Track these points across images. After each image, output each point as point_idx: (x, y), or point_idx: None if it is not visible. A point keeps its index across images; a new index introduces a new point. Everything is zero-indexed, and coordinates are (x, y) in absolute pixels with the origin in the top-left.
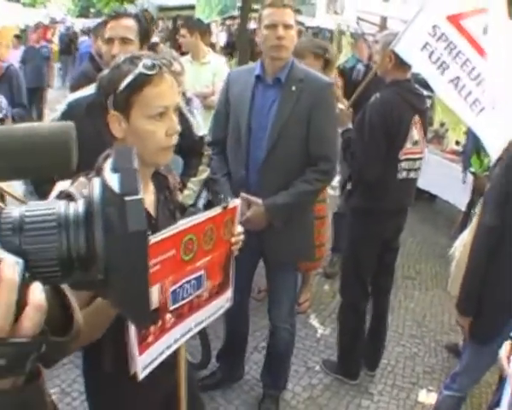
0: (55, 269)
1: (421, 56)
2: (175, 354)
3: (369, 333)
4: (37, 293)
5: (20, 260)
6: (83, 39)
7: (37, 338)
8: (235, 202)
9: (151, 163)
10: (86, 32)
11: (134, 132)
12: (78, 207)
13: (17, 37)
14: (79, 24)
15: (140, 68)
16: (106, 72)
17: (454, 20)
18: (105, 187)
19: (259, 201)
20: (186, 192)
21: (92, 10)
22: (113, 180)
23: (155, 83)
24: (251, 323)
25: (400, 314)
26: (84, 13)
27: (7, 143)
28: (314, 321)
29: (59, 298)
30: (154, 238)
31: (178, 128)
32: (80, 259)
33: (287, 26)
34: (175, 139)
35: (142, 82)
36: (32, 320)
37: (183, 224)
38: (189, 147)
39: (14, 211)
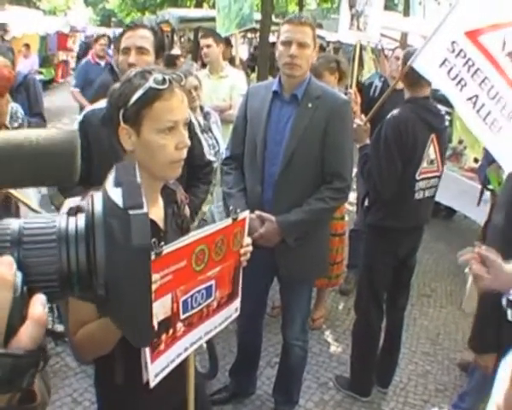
0: (54, 284)
1: (440, 73)
2: (184, 363)
3: (383, 350)
4: (38, 306)
5: (20, 273)
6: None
7: (34, 352)
8: (245, 214)
9: (160, 177)
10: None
11: (144, 146)
12: (78, 220)
13: (26, 45)
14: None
15: (150, 83)
16: (117, 85)
17: (472, 35)
18: (107, 200)
19: (272, 217)
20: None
21: (113, 20)
22: (116, 194)
23: (165, 97)
24: (264, 338)
25: (414, 332)
26: (105, 22)
27: (10, 150)
28: (328, 337)
29: None
30: (167, 248)
31: (188, 142)
32: (80, 273)
33: (301, 45)
34: (184, 153)
35: (152, 96)
36: (30, 334)
37: (195, 235)
38: (199, 169)
39: (14, 223)
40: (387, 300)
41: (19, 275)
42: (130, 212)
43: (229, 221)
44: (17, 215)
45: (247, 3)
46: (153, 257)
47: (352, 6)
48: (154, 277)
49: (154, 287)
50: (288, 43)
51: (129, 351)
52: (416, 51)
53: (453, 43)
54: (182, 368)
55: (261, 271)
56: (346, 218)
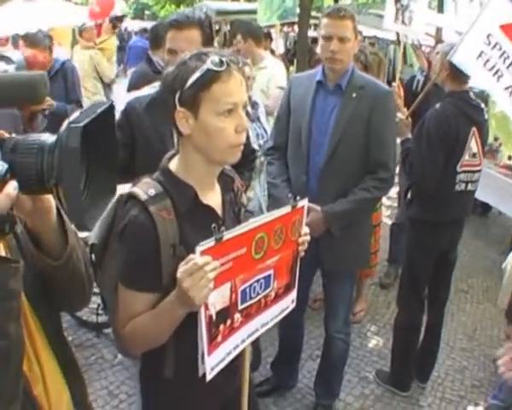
0: (32, 179)
1: (477, 65)
2: (238, 356)
3: (422, 345)
4: (10, 187)
5: (6, 165)
6: (134, 39)
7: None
8: (304, 202)
9: (219, 161)
10: (139, 32)
11: (202, 129)
12: (50, 138)
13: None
14: (134, 25)
15: (208, 64)
16: (171, 69)
17: (507, 29)
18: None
19: (318, 207)
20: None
21: (147, 13)
22: (75, 115)
23: (224, 79)
24: (306, 331)
25: (452, 327)
26: (138, 15)
27: None
28: (368, 331)
29: (61, 224)
30: (227, 234)
31: (247, 125)
32: (48, 172)
33: (342, 39)
34: (244, 137)
35: (210, 78)
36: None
37: (255, 221)
38: (244, 156)
39: (15, 138)
40: (428, 294)
41: (4, 166)
42: (72, 125)
43: (288, 209)
44: None
45: None
46: (213, 243)
47: (397, 0)
48: (214, 263)
49: (213, 274)
50: (328, 38)
51: (180, 345)
52: (455, 46)
53: (489, 36)
54: (236, 360)
55: (305, 263)
56: (383, 210)
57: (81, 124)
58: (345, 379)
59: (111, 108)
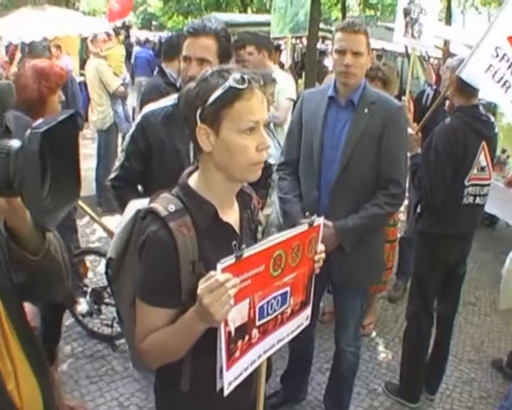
0: (1, 181)
1: (486, 78)
2: (253, 371)
3: (431, 358)
4: None
5: None
6: (137, 49)
7: None
8: (320, 220)
9: (239, 179)
10: (140, 43)
11: (224, 147)
12: (15, 143)
13: (58, 47)
14: (141, 36)
15: (230, 82)
16: (192, 85)
17: None
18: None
19: (330, 223)
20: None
21: (154, 23)
22: (38, 122)
23: (246, 97)
24: (315, 344)
25: (460, 339)
26: (146, 25)
27: None
28: (377, 344)
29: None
30: (247, 252)
31: (269, 143)
32: (15, 175)
33: (355, 53)
34: (265, 155)
35: (232, 96)
36: None
37: (274, 239)
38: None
39: None
40: (437, 307)
41: None
42: (33, 131)
43: (305, 227)
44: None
45: (303, 10)
46: (233, 260)
47: (406, 14)
48: (235, 280)
49: (234, 291)
50: (342, 53)
51: (198, 359)
52: (464, 61)
53: (497, 48)
54: (251, 375)
55: (316, 277)
56: (398, 225)
57: (41, 130)
58: (354, 392)
59: (72, 117)
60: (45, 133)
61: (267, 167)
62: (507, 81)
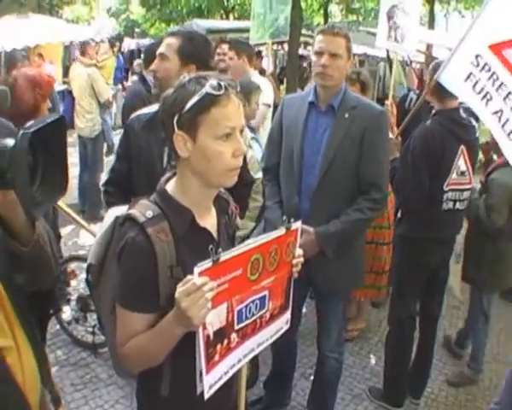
0: None
1: (466, 87)
2: (234, 374)
3: (415, 362)
4: None
5: None
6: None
7: None
8: (297, 224)
9: (216, 184)
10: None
11: (200, 153)
12: (12, 142)
13: (40, 55)
14: (125, 44)
15: (207, 88)
16: (170, 91)
17: (496, 49)
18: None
19: (311, 229)
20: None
21: (137, 30)
22: (29, 123)
23: (222, 104)
24: (298, 350)
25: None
26: (128, 33)
27: None
28: (361, 349)
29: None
30: (224, 256)
31: (245, 149)
32: (8, 169)
33: (333, 55)
34: (241, 161)
35: (209, 102)
36: None
37: (251, 243)
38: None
39: None
40: (420, 311)
41: None
42: (24, 131)
43: (282, 231)
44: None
45: (283, 15)
46: (210, 264)
47: (390, 18)
48: (212, 284)
49: (211, 294)
50: (319, 54)
51: (177, 364)
52: (442, 65)
53: (477, 56)
54: (232, 379)
55: (297, 283)
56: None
57: (30, 130)
58: (338, 397)
59: (60, 119)
60: (35, 133)
61: (249, 182)
62: (488, 93)
